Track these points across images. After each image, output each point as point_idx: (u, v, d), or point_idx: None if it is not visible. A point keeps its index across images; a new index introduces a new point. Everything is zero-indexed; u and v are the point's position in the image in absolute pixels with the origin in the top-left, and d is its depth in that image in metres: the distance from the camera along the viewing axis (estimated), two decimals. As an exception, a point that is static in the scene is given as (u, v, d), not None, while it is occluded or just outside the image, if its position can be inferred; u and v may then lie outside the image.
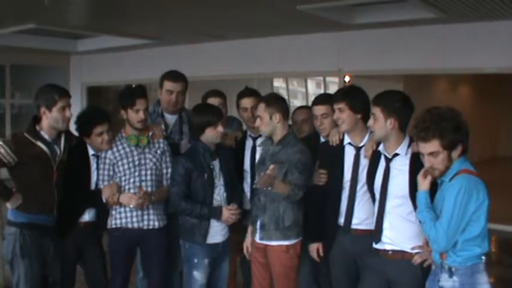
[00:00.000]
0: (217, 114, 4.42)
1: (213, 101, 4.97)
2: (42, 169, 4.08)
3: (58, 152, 4.16)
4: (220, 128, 4.35)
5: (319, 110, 4.51)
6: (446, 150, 3.27)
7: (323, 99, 4.62)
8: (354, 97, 4.08)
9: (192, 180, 4.37)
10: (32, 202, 4.09)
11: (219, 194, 4.42)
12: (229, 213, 4.35)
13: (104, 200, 4.41)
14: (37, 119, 4.12)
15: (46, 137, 4.11)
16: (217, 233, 4.41)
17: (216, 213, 4.35)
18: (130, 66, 12.07)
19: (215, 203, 4.39)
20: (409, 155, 3.69)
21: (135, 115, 4.42)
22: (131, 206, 4.38)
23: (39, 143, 4.06)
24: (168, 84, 4.85)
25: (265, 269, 4.38)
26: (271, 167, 3.97)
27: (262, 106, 4.32)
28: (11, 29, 9.32)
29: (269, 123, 4.28)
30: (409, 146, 3.71)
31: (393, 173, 3.72)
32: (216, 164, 4.44)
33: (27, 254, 4.06)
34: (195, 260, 4.39)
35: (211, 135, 4.36)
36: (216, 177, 4.41)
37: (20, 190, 4.11)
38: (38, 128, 4.10)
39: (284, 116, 4.32)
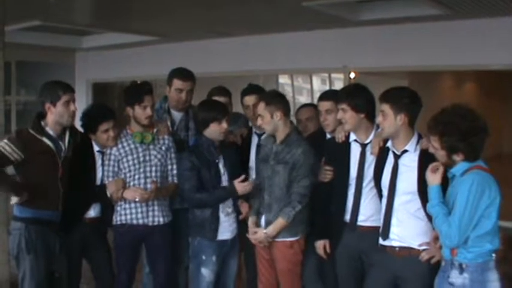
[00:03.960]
0: (223, 110, 4.44)
1: (217, 99, 4.96)
2: (47, 165, 4.10)
3: (63, 147, 4.17)
4: (224, 125, 4.36)
5: (324, 105, 4.53)
6: (445, 151, 3.31)
7: (328, 95, 4.64)
8: (356, 97, 4.05)
9: (201, 175, 4.38)
10: (37, 198, 4.10)
11: None
12: (241, 185, 4.32)
13: (109, 195, 4.42)
14: (41, 116, 4.14)
15: (51, 132, 4.12)
16: (225, 229, 4.43)
17: (231, 190, 4.34)
18: (136, 63, 12.06)
19: None
20: (417, 152, 3.70)
21: (142, 112, 4.44)
22: (136, 199, 4.39)
23: (45, 139, 4.07)
24: (177, 83, 4.85)
25: (271, 265, 4.39)
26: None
27: (262, 105, 4.31)
28: (16, 26, 9.32)
29: (270, 121, 4.27)
30: (417, 142, 3.72)
31: (402, 169, 3.73)
32: (221, 159, 4.46)
33: (32, 249, 4.07)
34: (203, 257, 4.40)
35: (215, 130, 4.37)
36: (220, 172, 4.44)
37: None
38: (43, 123, 4.12)
39: (285, 113, 4.32)
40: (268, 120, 4.28)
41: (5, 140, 4.03)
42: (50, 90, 4.13)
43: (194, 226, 4.46)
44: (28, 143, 4.04)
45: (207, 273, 4.39)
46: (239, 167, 4.66)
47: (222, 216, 4.40)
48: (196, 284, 4.45)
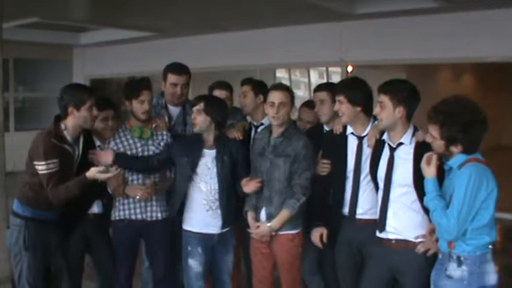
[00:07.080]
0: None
1: (219, 93, 4.96)
2: (63, 170, 4.04)
3: (77, 151, 4.17)
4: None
5: (317, 96, 4.62)
6: (444, 141, 3.31)
7: (322, 85, 4.78)
8: (353, 90, 4.06)
9: (177, 163, 4.43)
10: (43, 201, 4.07)
11: (207, 183, 4.36)
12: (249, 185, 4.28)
13: (110, 191, 4.45)
14: (59, 118, 4.12)
15: (69, 137, 4.10)
16: (210, 223, 4.38)
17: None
18: (133, 58, 12.09)
19: (201, 193, 4.35)
20: (413, 144, 3.70)
21: (140, 106, 4.46)
22: (137, 197, 4.41)
23: (66, 146, 4.06)
24: (172, 77, 4.86)
25: (267, 259, 4.39)
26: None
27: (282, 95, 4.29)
28: (14, 23, 9.34)
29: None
30: (413, 135, 3.73)
31: (397, 162, 3.73)
32: (210, 152, 4.39)
33: (30, 246, 4.08)
34: (189, 248, 4.42)
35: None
36: (206, 167, 4.37)
37: (35, 188, 4.09)
38: (62, 126, 4.08)
39: (291, 108, 4.32)
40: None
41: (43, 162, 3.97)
42: (75, 93, 4.10)
43: (183, 219, 4.48)
44: (55, 151, 4.01)
45: (194, 263, 4.39)
46: (243, 163, 4.54)
47: (204, 210, 4.38)
48: (186, 274, 4.47)
